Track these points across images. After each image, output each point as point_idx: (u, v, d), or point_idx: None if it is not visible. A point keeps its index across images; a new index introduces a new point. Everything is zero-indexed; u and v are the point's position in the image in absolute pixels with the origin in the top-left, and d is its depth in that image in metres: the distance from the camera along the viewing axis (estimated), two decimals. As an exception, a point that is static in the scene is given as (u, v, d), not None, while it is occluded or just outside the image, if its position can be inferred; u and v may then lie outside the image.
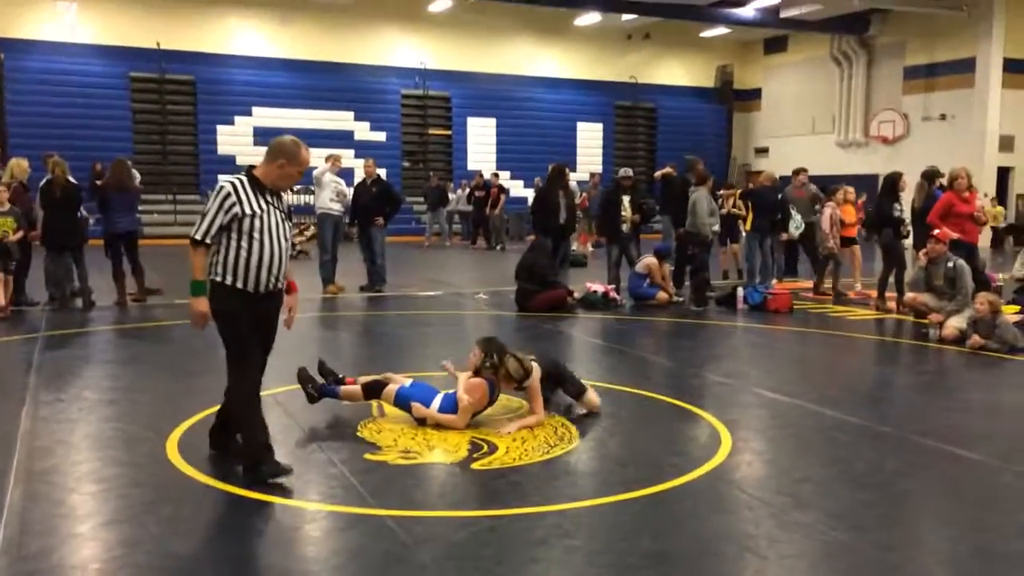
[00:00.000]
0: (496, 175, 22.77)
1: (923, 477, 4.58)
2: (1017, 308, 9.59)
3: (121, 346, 8.10)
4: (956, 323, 8.24)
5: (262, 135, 23.23)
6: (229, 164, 23.00)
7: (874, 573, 3.36)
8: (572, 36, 27.15)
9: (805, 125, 27.81)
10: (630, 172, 11.52)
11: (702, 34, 27.61)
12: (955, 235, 9.21)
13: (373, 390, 5.32)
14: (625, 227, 10.99)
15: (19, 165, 9.97)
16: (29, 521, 3.71)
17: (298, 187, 22.50)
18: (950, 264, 8.66)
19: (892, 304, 10.30)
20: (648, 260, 10.69)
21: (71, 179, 9.91)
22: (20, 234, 9.33)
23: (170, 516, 3.80)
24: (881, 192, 10.66)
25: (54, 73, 21.51)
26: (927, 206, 10.03)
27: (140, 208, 10.88)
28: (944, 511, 4.16)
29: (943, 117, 23.58)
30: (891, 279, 10.38)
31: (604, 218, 11.26)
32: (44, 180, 9.73)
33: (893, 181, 10.50)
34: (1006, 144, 22.42)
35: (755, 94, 29.78)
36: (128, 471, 4.40)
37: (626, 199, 10.98)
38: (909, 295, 9.12)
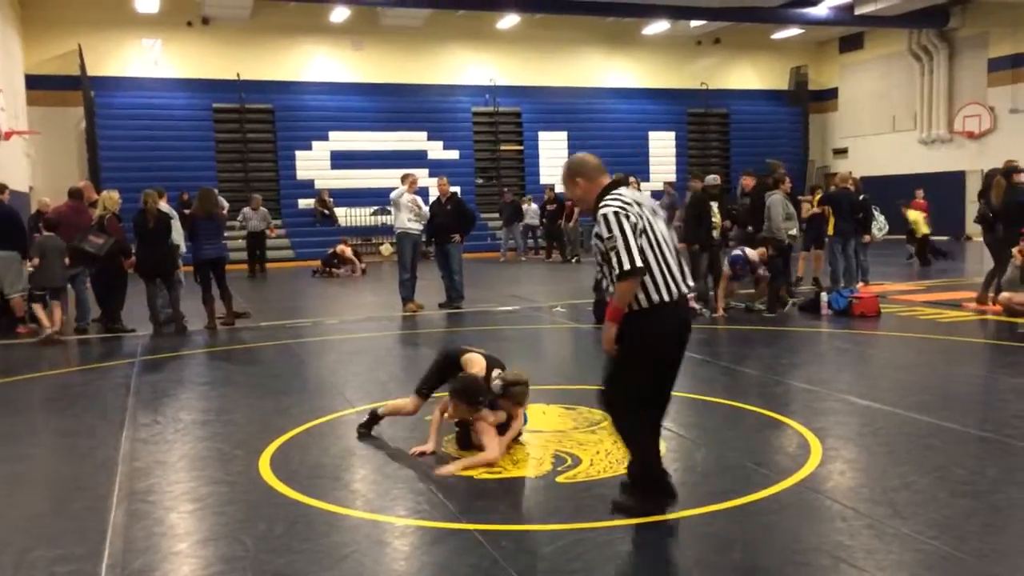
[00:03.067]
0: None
1: (1027, 484, 4.40)
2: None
3: (212, 368, 8.36)
4: (1056, 322, 7.89)
5: (338, 159, 23.82)
6: (308, 188, 23.63)
7: (978, 584, 3.24)
8: (641, 45, 27.04)
9: (885, 123, 27.07)
10: (718, 179, 11.38)
11: (774, 36, 27.17)
12: None
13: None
14: (715, 234, 10.81)
15: (111, 198, 10.42)
16: (132, 539, 3.86)
17: (374, 207, 22.99)
18: (1047, 261, 8.32)
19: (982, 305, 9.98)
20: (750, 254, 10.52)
21: (162, 208, 10.34)
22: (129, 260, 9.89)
23: (265, 533, 3.90)
24: (984, 188, 10.39)
25: (141, 108, 22.47)
26: (1008, 202, 9.71)
27: (226, 235, 11.23)
28: (1052, 519, 3.98)
29: (1032, 108, 22.68)
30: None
31: (693, 226, 10.96)
32: (137, 211, 10.16)
33: (988, 178, 10.20)
34: (1101, 134, 21.44)
35: (831, 94, 29.13)
36: (223, 489, 4.54)
37: (714, 206, 10.82)
38: (1004, 295, 8.79)
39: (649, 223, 3.82)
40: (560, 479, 4.51)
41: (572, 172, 4.07)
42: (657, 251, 3.78)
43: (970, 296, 11.04)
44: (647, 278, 3.72)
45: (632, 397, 3.87)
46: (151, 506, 4.31)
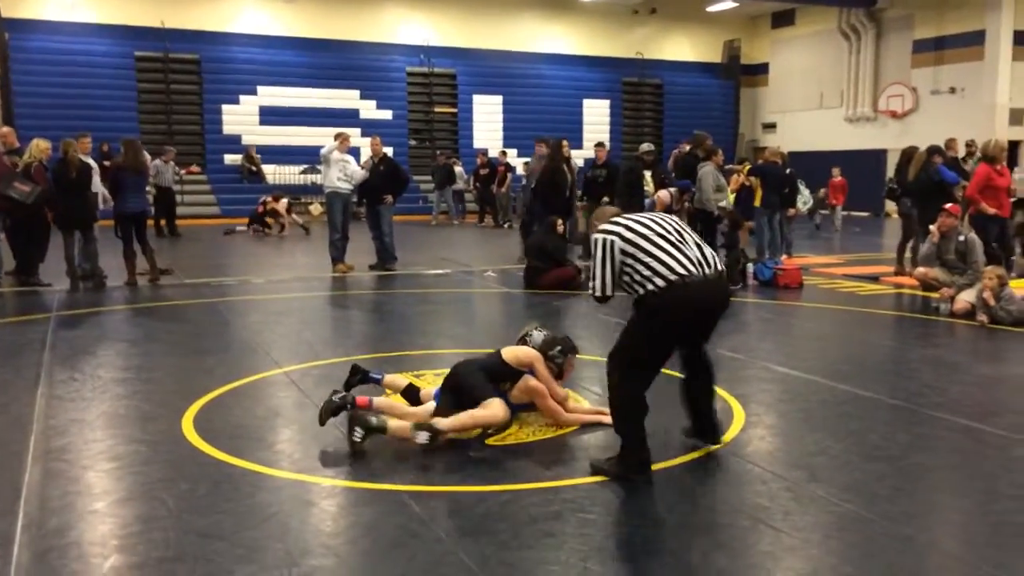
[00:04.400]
0: (504, 153, 22.70)
1: (936, 450, 4.59)
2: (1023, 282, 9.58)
3: (133, 325, 8.13)
4: (967, 297, 8.22)
5: (267, 114, 23.22)
6: (235, 143, 23.02)
7: (887, 545, 3.37)
8: (578, 12, 26.96)
9: (813, 100, 27.62)
10: (652, 147, 11.47)
11: (708, 8, 27.36)
12: (993, 210, 9.27)
13: (410, 394, 5.02)
14: (648, 203, 10.91)
15: (38, 146, 9.94)
16: (48, 499, 3.75)
17: (304, 166, 22.55)
18: (961, 238, 8.64)
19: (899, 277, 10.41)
20: None
21: (84, 158, 9.95)
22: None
23: (187, 493, 3.83)
24: (900, 164, 10.77)
25: (58, 53, 21.45)
26: (921, 178, 10.11)
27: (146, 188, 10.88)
28: (957, 483, 4.17)
29: (952, 91, 23.38)
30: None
31: (627, 194, 11.02)
32: (57, 160, 9.75)
33: (910, 155, 10.55)
34: (1016, 117, 22.22)
35: (762, 69, 29.57)
36: (144, 448, 4.43)
37: (648, 174, 10.91)
38: (920, 269, 9.10)
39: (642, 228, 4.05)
40: (489, 441, 4.52)
41: None
42: (653, 244, 4.00)
43: (888, 271, 11.44)
44: (652, 265, 3.95)
45: (633, 371, 4.06)
46: (68, 465, 4.19)
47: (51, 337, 7.19)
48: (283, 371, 6.03)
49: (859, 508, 3.69)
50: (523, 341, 4.99)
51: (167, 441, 4.53)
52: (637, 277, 3.97)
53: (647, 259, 3.95)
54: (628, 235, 4.02)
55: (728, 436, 4.64)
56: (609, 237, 4.02)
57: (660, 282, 3.92)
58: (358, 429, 4.27)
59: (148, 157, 11.26)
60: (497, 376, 4.67)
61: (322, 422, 4.54)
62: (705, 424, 4.49)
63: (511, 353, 4.77)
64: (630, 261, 3.98)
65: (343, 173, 11.36)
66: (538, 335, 4.98)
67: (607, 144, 13.03)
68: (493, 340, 7.43)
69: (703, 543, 3.39)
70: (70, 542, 3.36)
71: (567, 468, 4.22)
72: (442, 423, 4.33)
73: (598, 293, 4.03)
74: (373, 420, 4.33)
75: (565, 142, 11.61)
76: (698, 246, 4.12)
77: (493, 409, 4.46)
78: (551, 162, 11.24)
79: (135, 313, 8.70)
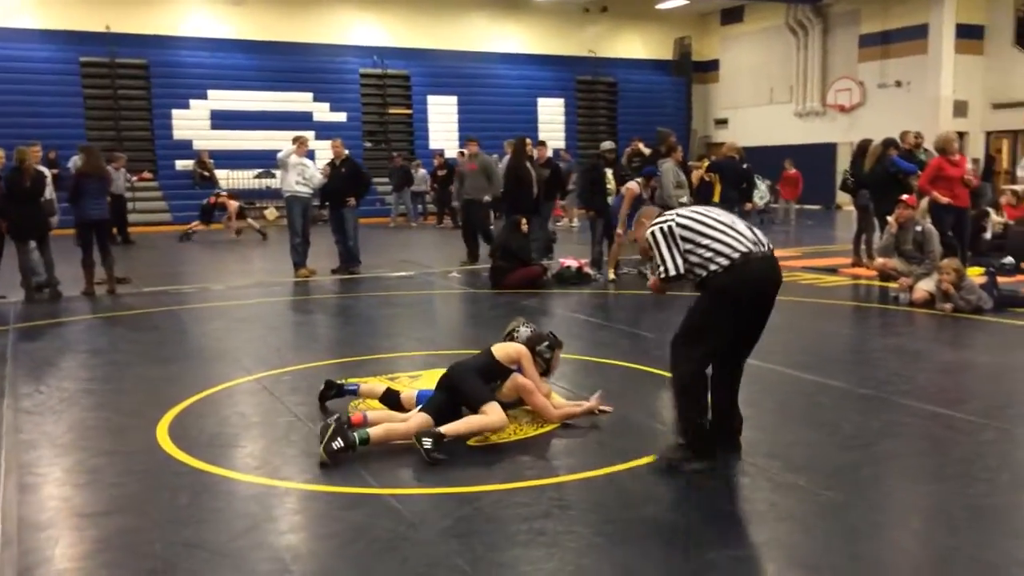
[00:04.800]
0: (462, 153, 22.62)
1: (908, 437, 4.69)
2: (981, 270, 9.81)
3: (95, 336, 7.95)
4: (925, 286, 8.41)
5: (219, 118, 22.88)
6: (186, 149, 22.64)
7: (868, 531, 3.44)
8: (530, 11, 27.02)
9: (763, 96, 28.03)
10: (613, 145, 11.53)
11: (658, 6, 27.59)
12: (945, 199, 9.48)
13: (389, 398, 4.98)
14: (610, 200, 10.92)
15: None
16: (26, 515, 3.66)
17: (258, 170, 22.28)
18: (918, 228, 8.84)
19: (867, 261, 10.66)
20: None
21: (37, 167, 9.73)
22: None
23: (169, 503, 3.77)
24: (855, 157, 10.99)
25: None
26: (877, 170, 10.33)
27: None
28: (931, 469, 4.27)
29: (898, 84, 23.91)
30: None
31: (590, 192, 11.02)
32: (12, 169, 9.49)
33: (864, 148, 10.75)
34: (960, 109, 22.79)
35: (713, 66, 29.93)
36: (119, 460, 4.35)
37: (609, 172, 10.96)
38: (879, 260, 9.30)
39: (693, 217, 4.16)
40: (471, 442, 4.52)
41: None
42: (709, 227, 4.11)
43: (845, 263, 11.66)
44: (712, 246, 4.05)
45: (698, 352, 4.11)
46: (41, 479, 4.10)
47: (11, 350, 7.00)
48: (254, 378, 5.96)
49: (839, 496, 3.76)
50: (510, 337, 5.00)
51: (143, 452, 4.45)
52: (698, 260, 4.06)
53: (706, 241, 4.05)
54: (683, 221, 4.12)
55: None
56: (666, 224, 4.12)
57: (723, 260, 4.01)
58: (338, 440, 4.16)
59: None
60: (490, 375, 4.68)
61: (330, 457, 4.16)
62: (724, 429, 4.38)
63: (502, 351, 4.78)
64: (689, 247, 4.07)
65: (301, 177, 11.25)
66: (524, 330, 5.00)
67: (563, 143, 13.16)
68: (462, 341, 7.45)
69: (694, 537, 3.43)
70: (54, 558, 3.28)
71: (551, 466, 4.24)
72: (445, 429, 4.30)
73: (672, 272, 4.08)
74: (353, 436, 4.21)
75: (528, 140, 11.62)
76: (748, 227, 4.21)
77: (492, 417, 4.45)
78: (514, 160, 11.25)
79: (96, 323, 8.52)
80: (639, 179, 10.50)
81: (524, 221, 10.31)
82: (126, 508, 3.74)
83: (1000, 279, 8.79)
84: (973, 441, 4.53)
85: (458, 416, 4.52)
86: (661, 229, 4.12)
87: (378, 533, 3.46)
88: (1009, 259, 10.89)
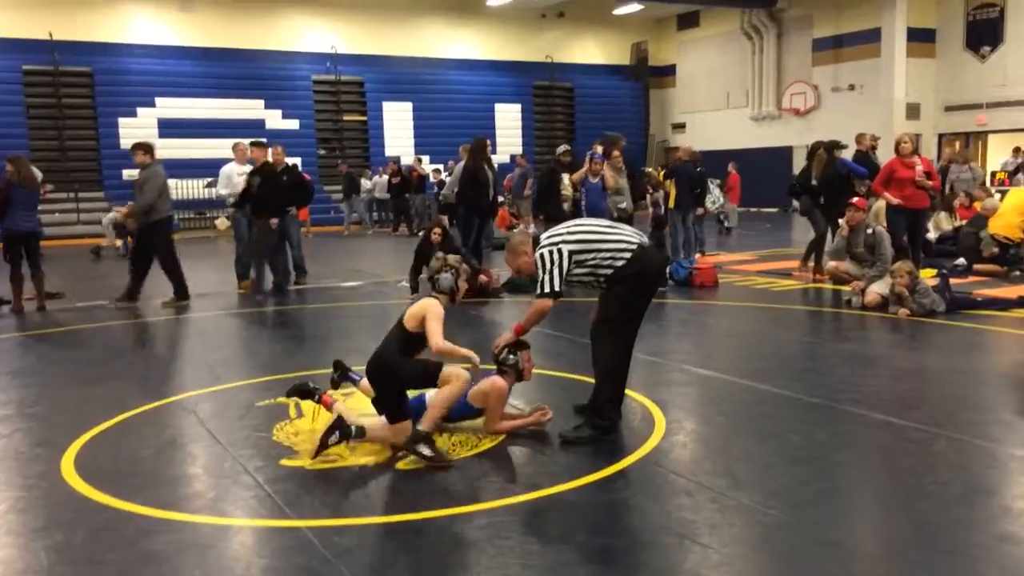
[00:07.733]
0: (419, 160, 22.36)
1: (858, 448, 4.52)
2: (934, 272, 9.75)
3: (19, 355, 7.54)
4: (877, 289, 8.30)
5: (167, 127, 22.37)
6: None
7: (814, 551, 3.25)
8: (485, 16, 26.83)
9: (720, 100, 28.10)
10: (568, 147, 11.30)
11: (615, 11, 27.58)
12: (896, 200, 9.42)
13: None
14: (566, 206, 10.62)
15: None
16: (-101, 560, 3.33)
17: (208, 179, 21.76)
18: (869, 231, 8.75)
19: (807, 274, 10.49)
20: None
21: None
22: None
23: (62, 543, 3.45)
24: (808, 160, 10.94)
25: (-62, 68, 20.29)
26: (829, 175, 10.25)
27: (39, 207, 10.19)
28: (880, 481, 4.09)
29: (852, 87, 24.08)
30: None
31: (545, 198, 10.65)
32: None
33: (813, 150, 10.67)
34: (912, 112, 23.00)
35: (670, 71, 29.96)
36: (17, 494, 4.02)
37: (566, 177, 10.70)
38: (831, 264, 9.20)
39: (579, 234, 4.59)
40: (400, 465, 4.26)
41: None
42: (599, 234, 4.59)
43: (799, 266, 11.54)
44: (610, 247, 4.51)
45: (617, 336, 4.59)
46: (-73, 518, 3.76)
47: (-78, 373, 6.60)
48: (179, 398, 5.64)
49: (784, 515, 3.57)
50: (432, 283, 4.69)
51: (43, 485, 4.12)
52: (604, 259, 4.46)
53: (604, 244, 4.48)
54: (572, 238, 4.50)
55: (650, 445, 4.48)
56: (555, 248, 4.46)
57: (626, 253, 4.47)
58: (337, 433, 4.25)
59: (40, 174, 10.58)
60: (411, 348, 4.42)
61: (288, 395, 4.90)
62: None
63: (409, 319, 4.46)
64: (590, 256, 4.46)
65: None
66: (447, 276, 4.59)
67: (520, 148, 12.92)
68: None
69: (628, 566, 3.20)
70: (-78, 611, 2.97)
71: (483, 490, 3.98)
72: (423, 424, 4.29)
73: (548, 290, 4.43)
74: (351, 427, 4.30)
75: (488, 141, 11.34)
76: (624, 225, 4.75)
77: (455, 383, 4.30)
78: (473, 161, 10.98)
79: (22, 342, 8.11)
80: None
81: (437, 231, 9.66)
82: (17, 548, 3.43)
83: (952, 281, 8.70)
84: (923, 452, 4.36)
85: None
86: (551, 252, 4.45)
87: (288, 571, 3.19)
88: (961, 261, 10.86)
